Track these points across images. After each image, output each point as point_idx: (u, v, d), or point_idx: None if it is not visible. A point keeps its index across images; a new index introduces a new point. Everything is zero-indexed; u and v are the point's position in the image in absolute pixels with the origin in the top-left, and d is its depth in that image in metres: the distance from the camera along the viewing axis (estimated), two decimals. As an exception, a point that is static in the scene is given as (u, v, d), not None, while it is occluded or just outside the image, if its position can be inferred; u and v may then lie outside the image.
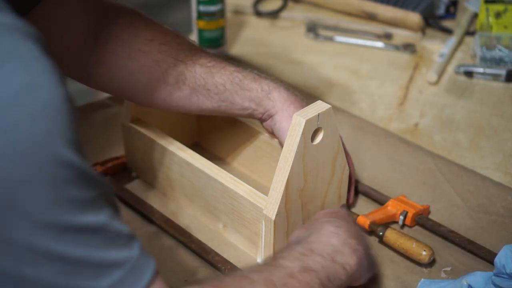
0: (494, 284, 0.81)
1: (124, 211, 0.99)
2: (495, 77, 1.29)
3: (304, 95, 1.24)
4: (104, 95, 1.19)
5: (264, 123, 0.94)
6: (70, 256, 0.53)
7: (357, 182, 1.02)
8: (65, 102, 0.53)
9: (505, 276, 0.79)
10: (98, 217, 0.55)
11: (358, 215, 0.94)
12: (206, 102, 0.92)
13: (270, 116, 0.92)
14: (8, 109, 0.49)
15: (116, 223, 0.57)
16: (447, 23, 1.47)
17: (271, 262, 0.73)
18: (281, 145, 0.91)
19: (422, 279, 0.86)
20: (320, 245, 0.76)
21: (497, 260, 0.80)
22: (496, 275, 0.81)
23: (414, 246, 0.88)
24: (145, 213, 0.97)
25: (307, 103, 0.88)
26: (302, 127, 0.81)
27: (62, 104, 0.52)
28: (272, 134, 0.94)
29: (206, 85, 0.91)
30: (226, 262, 0.88)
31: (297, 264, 0.72)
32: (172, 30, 0.94)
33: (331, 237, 0.77)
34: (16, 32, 0.51)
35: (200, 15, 1.31)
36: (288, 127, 0.87)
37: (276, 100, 0.91)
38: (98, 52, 0.88)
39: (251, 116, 0.94)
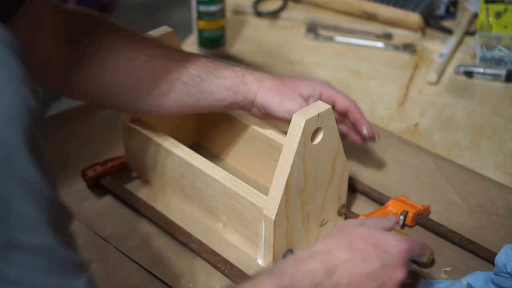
0: (494, 284, 0.81)
1: (124, 211, 0.99)
2: (495, 77, 1.29)
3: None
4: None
5: (251, 112, 0.94)
6: (5, 274, 0.50)
7: (357, 182, 1.02)
8: (26, 113, 0.50)
9: (506, 275, 0.79)
10: (48, 240, 0.52)
11: (358, 215, 0.94)
12: (185, 98, 0.91)
13: (252, 102, 0.92)
14: None
15: (67, 250, 0.54)
16: (447, 23, 1.47)
17: None
18: (278, 119, 0.92)
19: (422, 279, 0.86)
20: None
21: (497, 259, 0.80)
22: (496, 274, 0.81)
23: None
24: (145, 213, 0.97)
25: (281, 76, 0.91)
26: (302, 127, 0.81)
27: (21, 115, 0.50)
28: (265, 118, 0.95)
29: (182, 78, 0.90)
30: (226, 262, 0.89)
31: None
32: (139, 32, 0.94)
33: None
34: None
35: (200, 15, 1.31)
36: (271, 99, 0.90)
37: (251, 83, 0.92)
38: (73, 57, 0.88)
39: (232, 106, 0.93)
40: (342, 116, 0.97)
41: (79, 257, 0.55)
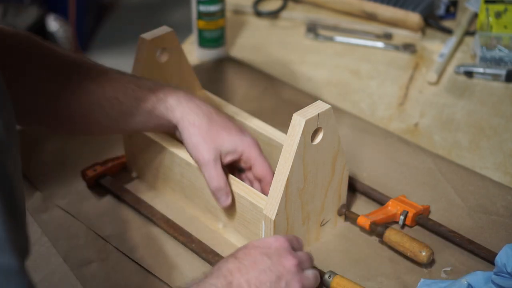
0: (494, 283, 0.81)
1: (124, 211, 0.99)
2: (495, 77, 1.29)
3: (304, 95, 1.25)
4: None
5: (177, 135, 0.89)
6: None
7: (357, 182, 1.02)
8: None
9: (506, 275, 0.79)
10: None
11: (358, 215, 0.94)
12: (103, 120, 0.86)
13: (175, 127, 0.87)
14: None
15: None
16: (447, 23, 1.47)
17: None
18: (193, 158, 0.87)
19: (422, 279, 0.86)
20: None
21: (498, 259, 0.80)
22: (496, 274, 0.80)
23: (414, 246, 0.88)
24: (145, 213, 0.97)
25: (211, 114, 0.85)
26: (302, 127, 0.81)
27: None
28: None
29: (99, 100, 0.84)
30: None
31: None
32: (56, 47, 0.87)
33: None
34: None
35: (200, 15, 1.31)
36: (187, 138, 0.84)
37: (174, 109, 0.85)
38: None
39: (158, 129, 0.88)
40: (256, 179, 0.93)
41: (15, 262, 0.51)
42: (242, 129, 0.89)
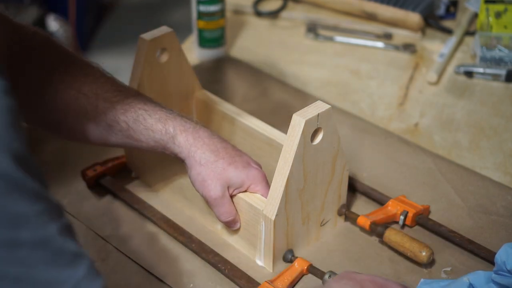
0: (494, 282, 0.81)
1: (124, 211, 0.99)
2: (495, 77, 1.29)
3: (304, 95, 1.25)
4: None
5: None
6: (2, 273, 0.50)
7: (357, 182, 1.02)
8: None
9: (506, 274, 0.79)
10: (39, 233, 0.52)
11: (358, 215, 0.94)
12: (110, 137, 0.88)
13: (182, 160, 0.88)
14: None
15: (61, 240, 0.54)
16: (447, 23, 1.47)
17: None
18: (200, 195, 0.88)
19: (422, 279, 0.86)
20: None
21: (497, 257, 0.80)
22: (496, 272, 0.80)
23: (414, 246, 0.88)
24: (145, 213, 0.97)
25: (218, 150, 0.85)
26: (302, 127, 0.81)
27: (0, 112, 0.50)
28: None
29: (107, 120, 0.86)
30: (226, 262, 0.89)
31: None
32: (86, 60, 0.89)
33: None
34: None
35: (200, 15, 1.31)
36: (194, 175, 0.85)
37: (181, 146, 0.86)
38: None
39: (165, 153, 0.89)
40: None
41: (76, 244, 0.55)
42: (249, 161, 0.89)
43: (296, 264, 0.88)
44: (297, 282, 0.87)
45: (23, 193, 0.51)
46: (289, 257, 0.89)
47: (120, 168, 1.05)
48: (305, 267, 0.87)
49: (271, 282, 0.84)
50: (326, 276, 0.85)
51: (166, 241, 0.94)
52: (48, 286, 0.52)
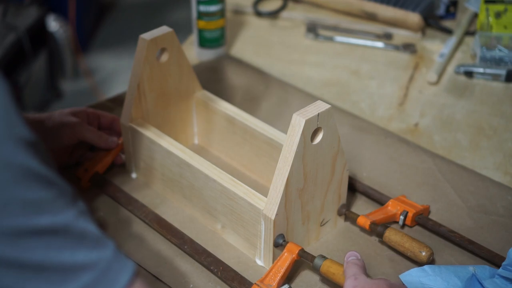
0: (501, 276, 0.80)
1: (121, 211, 0.99)
2: (495, 77, 1.29)
3: (304, 95, 1.25)
4: (105, 97, 1.19)
5: None
6: (27, 262, 0.50)
7: (357, 182, 1.02)
8: (8, 97, 0.50)
9: None
10: (58, 218, 0.52)
11: (358, 215, 0.94)
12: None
13: None
14: None
15: (82, 224, 0.53)
16: (447, 23, 1.47)
17: None
18: None
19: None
20: None
21: (511, 251, 0.80)
22: (505, 267, 0.80)
23: (414, 246, 0.88)
24: (138, 215, 0.96)
25: None
26: (302, 127, 0.81)
27: (4, 100, 0.50)
28: None
29: None
30: (219, 262, 0.88)
31: None
32: None
33: None
34: None
35: (200, 15, 1.31)
36: None
37: None
38: None
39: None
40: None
41: (96, 227, 0.54)
42: None
43: (285, 253, 0.85)
44: (290, 270, 0.85)
45: (34, 180, 0.50)
46: (280, 242, 0.87)
47: (111, 158, 1.04)
48: (296, 252, 0.85)
49: (261, 281, 0.83)
50: (317, 260, 0.84)
51: (163, 241, 0.93)
52: (79, 269, 0.52)
